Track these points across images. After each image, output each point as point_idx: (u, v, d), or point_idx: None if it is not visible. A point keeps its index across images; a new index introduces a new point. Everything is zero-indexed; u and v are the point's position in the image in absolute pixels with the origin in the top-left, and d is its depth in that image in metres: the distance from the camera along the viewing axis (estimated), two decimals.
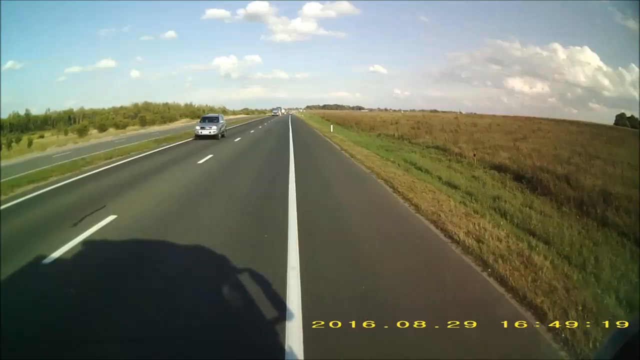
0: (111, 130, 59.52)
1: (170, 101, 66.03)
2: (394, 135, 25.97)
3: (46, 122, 55.40)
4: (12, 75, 57.08)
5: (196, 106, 74.15)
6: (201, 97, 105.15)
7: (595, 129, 29.17)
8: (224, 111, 75.34)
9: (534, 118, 40.92)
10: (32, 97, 77.40)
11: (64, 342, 2.56)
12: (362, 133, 29.53)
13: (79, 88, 76.36)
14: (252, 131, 25.82)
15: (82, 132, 54.37)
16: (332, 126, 27.27)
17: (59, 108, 52.81)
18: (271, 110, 72.78)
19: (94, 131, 55.62)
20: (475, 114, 51.39)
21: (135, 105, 65.18)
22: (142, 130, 52.23)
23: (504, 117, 44.90)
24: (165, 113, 72.60)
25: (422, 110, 59.86)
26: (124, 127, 60.58)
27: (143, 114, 67.21)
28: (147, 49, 75.57)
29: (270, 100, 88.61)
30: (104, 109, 60.73)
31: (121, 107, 63.48)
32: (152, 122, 66.59)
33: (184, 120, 73.48)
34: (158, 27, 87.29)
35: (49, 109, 50.97)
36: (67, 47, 75.42)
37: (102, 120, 61.98)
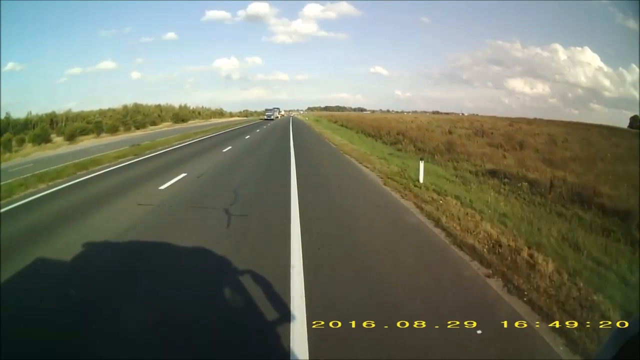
0: (58, 141, 43.13)
1: (164, 103, 59.27)
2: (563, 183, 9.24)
3: (27, 126, 44.36)
4: (12, 77, 51.73)
5: (191, 108, 64.14)
6: (202, 99, 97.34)
7: None
8: (221, 113, 66.56)
9: (579, 123, 35.33)
10: (33, 99, 68.91)
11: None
12: (452, 168, 12.70)
13: (80, 89, 70.12)
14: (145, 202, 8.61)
15: (6, 146, 37.57)
16: (422, 167, 7.79)
17: (59, 110, 46.24)
18: (264, 112, 55.43)
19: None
20: (477, 115, 48.27)
21: (125, 107, 54.31)
22: (94, 142, 35.94)
23: (550, 121, 37.44)
24: (151, 117, 57.98)
25: (425, 112, 56.49)
26: (71, 137, 43.84)
27: (100, 119, 51.08)
28: (148, 51, 71.58)
29: (272, 102, 79.97)
30: (91, 111, 51.38)
31: (109, 109, 52.78)
32: (114, 130, 49.68)
33: (164, 125, 58.37)
34: (158, 29, 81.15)
35: (30, 112, 43.06)
36: (68, 49, 68.54)
37: (41, 130, 44.91)
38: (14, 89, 57.11)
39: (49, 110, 46.44)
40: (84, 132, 47.93)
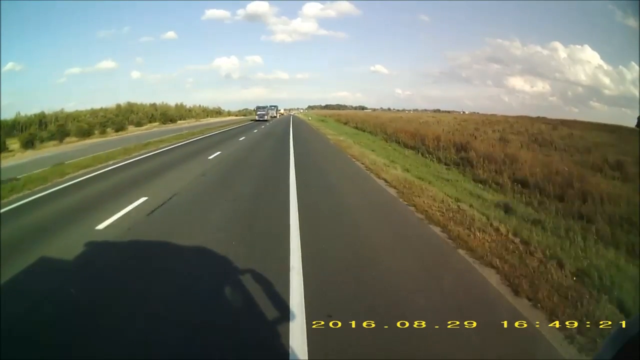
0: (16, 147, 34.81)
1: (159, 102, 54.55)
2: None
3: (14, 127, 39.16)
4: (12, 77, 52.24)
5: (188, 107, 60.57)
6: (202, 98, 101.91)
7: None
8: (219, 112, 65.45)
9: (606, 125, 29.22)
10: (33, 99, 68.15)
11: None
12: None
13: (80, 89, 69.99)
14: None
15: None
16: None
17: (58, 110, 41.41)
18: (255, 111, 43.79)
19: None
20: (478, 113, 45.20)
21: (118, 106, 50.08)
22: (35, 154, 27.52)
23: (575, 122, 31.85)
24: (137, 117, 50.44)
25: (425, 110, 54.61)
26: (28, 144, 35.47)
27: (61, 123, 43.08)
28: (148, 50, 71.50)
29: (272, 100, 76.67)
30: (81, 111, 46.09)
31: (101, 109, 47.69)
32: (83, 134, 41.22)
33: (149, 126, 51.01)
34: (158, 28, 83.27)
35: (18, 113, 38.49)
36: (67, 49, 69.67)
37: None
38: (14, 88, 59.09)
39: (49, 110, 41.18)
40: (53, 137, 39.94)
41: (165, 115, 58.01)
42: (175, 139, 18.16)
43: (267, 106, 43.61)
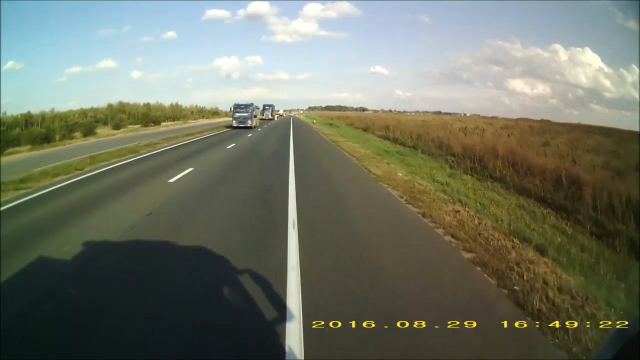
0: None
1: (154, 102, 55.19)
2: None
3: None
4: (12, 76, 51.98)
5: (184, 107, 58.13)
6: (202, 98, 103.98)
7: None
8: (216, 112, 64.26)
9: None
10: (33, 98, 62.81)
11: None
12: None
13: (80, 89, 69.61)
14: None
15: None
16: None
17: (61, 109, 41.65)
18: (233, 111, 28.44)
19: None
20: (478, 115, 44.96)
21: (109, 106, 47.84)
22: None
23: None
24: (115, 119, 45.86)
25: (426, 112, 54.62)
26: None
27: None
28: (148, 50, 71.70)
29: (272, 101, 73.26)
30: (70, 111, 43.57)
31: (91, 109, 44.96)
32: (40, 141, 33.04)
33: (127, 129, 43.98)
34: (158, 28, 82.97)
35: (5, 112, 36.71)
36: (67, 48, 69.41)
37: None
38: (14, 87, 56.70)
39: (49, 109, 39.41)
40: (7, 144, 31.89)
41: (146, 116, 51.37)
42: (84, 165, 9.85)
43: (251, 105, 29.43)
